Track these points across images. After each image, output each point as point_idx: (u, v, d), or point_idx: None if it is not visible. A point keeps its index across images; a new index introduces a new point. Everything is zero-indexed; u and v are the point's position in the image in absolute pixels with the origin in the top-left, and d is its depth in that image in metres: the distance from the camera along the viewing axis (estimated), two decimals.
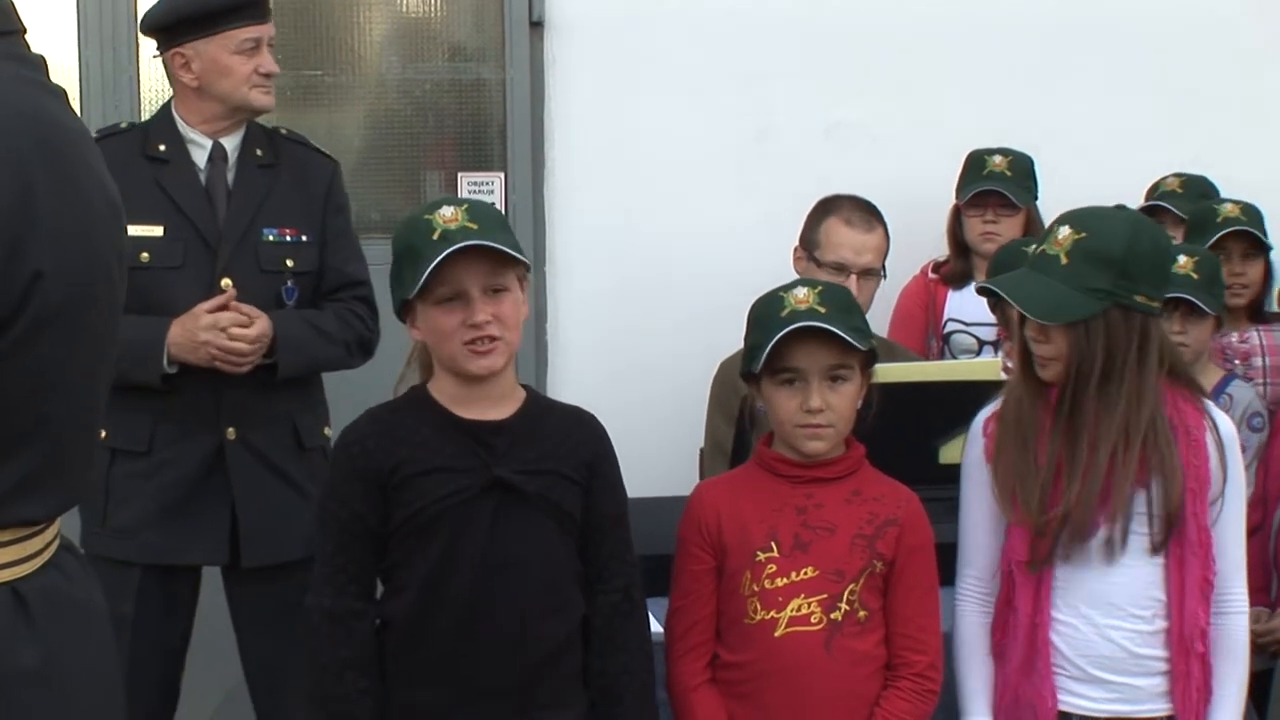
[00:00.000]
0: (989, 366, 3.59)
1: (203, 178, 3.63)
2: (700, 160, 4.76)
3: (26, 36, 1.99)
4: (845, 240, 3.95)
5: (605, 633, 2.75)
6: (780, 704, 2.80)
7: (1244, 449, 3.79)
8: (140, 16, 3.93)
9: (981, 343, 4.39)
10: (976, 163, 4.46)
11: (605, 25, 4.74)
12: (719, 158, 4.77)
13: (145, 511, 3.55)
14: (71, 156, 1.91)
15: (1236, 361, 4.08)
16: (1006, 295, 2.74)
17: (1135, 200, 4.42)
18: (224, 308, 3.49)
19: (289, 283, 3.64)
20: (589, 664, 2.76)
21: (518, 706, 2.67)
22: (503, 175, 4.79)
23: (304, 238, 3.67)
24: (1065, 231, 2.73)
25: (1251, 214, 4.22)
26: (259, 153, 3.67)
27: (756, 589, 2.81)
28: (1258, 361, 4.14)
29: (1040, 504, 2.74)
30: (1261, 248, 4.12)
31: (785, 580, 2.81)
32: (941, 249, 4.58)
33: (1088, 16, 4.85)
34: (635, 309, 4.75)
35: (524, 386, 2.81)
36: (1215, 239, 4.06)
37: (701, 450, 4.11)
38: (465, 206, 2.66)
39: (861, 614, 2.82)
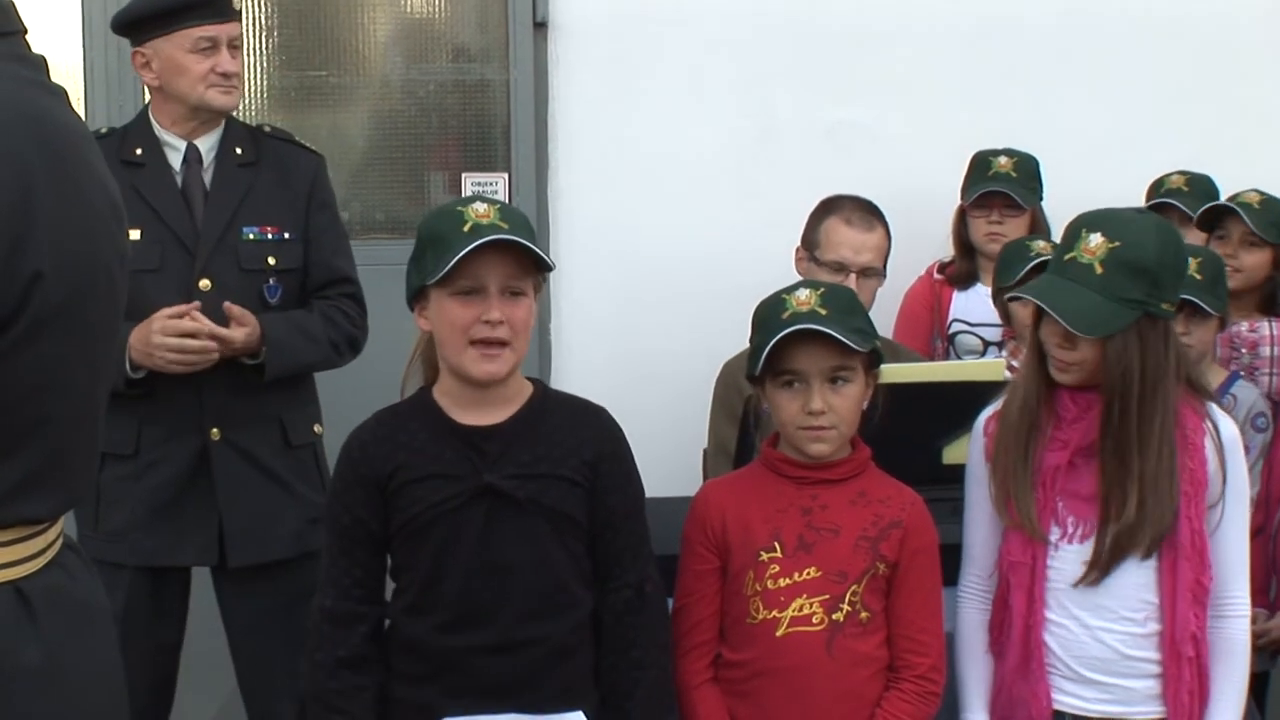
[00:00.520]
0: (993, 367, 3.58)
1: (179, 180, 3.62)
2: (703, 161, 4.76)
3: (28, 37, 1.99)
4: (845, 239, 3.95)
5: (616, 629, 2.77)
6: (781, 704, 2.80)
7: (1248, 450, 3.79)
8: None
9: (986, 343, 4.39)
10: (981, 164, 4.46)
11: (609, 26, 4.74)
12: (722, 158, 4.77)
13: (134, 514, 3.55)
14: (72, 157, 1.91)
15: (1244, 350, 4.06)
16: (1049, 308, 2.71)
17: (1136, 199, 4.42)
18: (182, 316, 3.45)
19: (271, 281, 3.62)
20: (600, 660, 2.77)
21: (522, 704, 2.69)
22: (506, 176, 4.79)
23: (286, 235, 3.65)
24: (1097, 239, 2.70)
25: (1198, 185, 4.25)
26: (239, 151, 3.66)
27: (759, 589, 2.82)
28: (1265, 351, 4.13)
29: (1035, 510, 2.76)
30: (1266, 239, 4.10)
31: (788, 580, 2.81)
32: (944, 250, 4.57)
33: (1089, 17, 4.85)
34: (638, 309, 4.75)
35: (534, 382, 2.82)
36: (1219, 226, 4.07)
37: (705, 451, 4.11)
38: (498, 207, 2.69)
39: (863, 615, 2.82)
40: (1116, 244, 2.69)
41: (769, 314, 2.85)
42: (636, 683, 2.74)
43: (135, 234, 3.51)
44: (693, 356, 4.35)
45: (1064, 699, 2.80)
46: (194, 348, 3.45)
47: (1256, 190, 4.20)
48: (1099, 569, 2.75)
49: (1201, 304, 3.70)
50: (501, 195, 4.75)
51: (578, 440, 2.75)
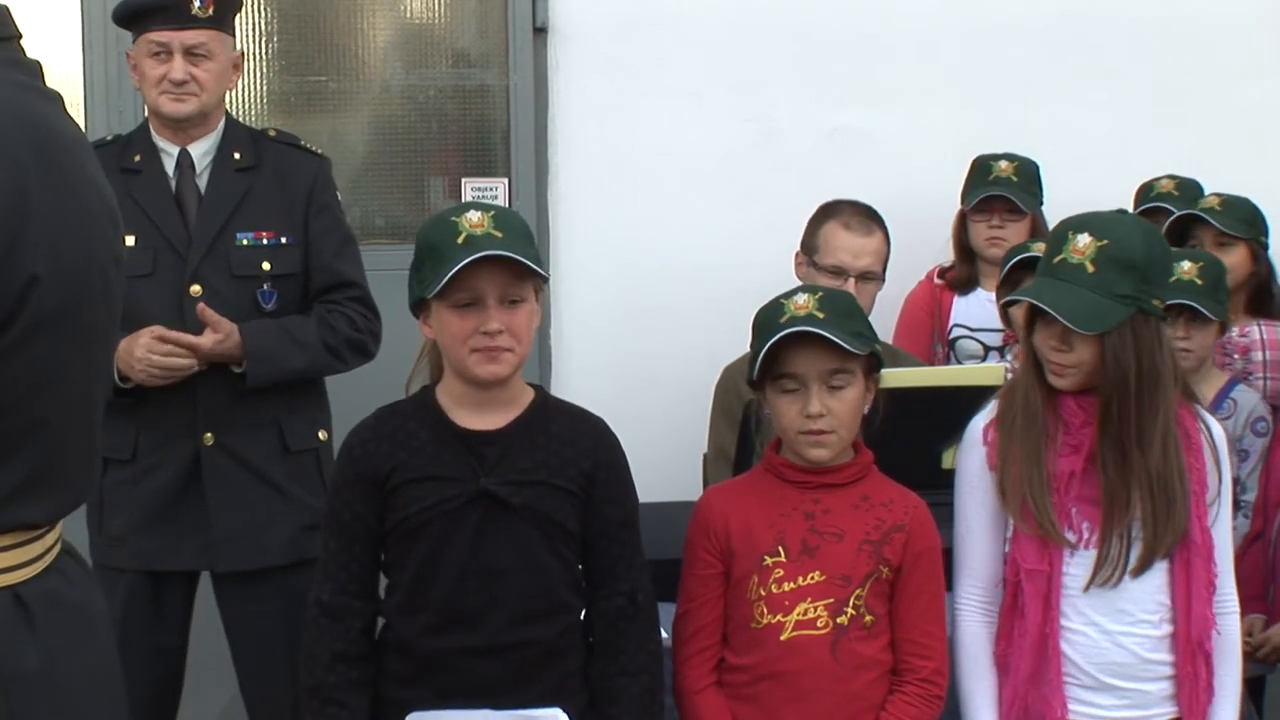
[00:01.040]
0: (993, 372, 3.58)
1: (173, 185, 3.62)
2: (703, 166, 4.76)
3: (23, 42, 1.99)
4: (843, 244, 3.95)
5: (607, 636, 2.79)
6: (785, 707, 2.80)
7: (1249, 454, 3.81)
8: None
9: (987, 348, 4.39)
10: (982, 168, 4.46)
11: (608, 31, 4.74)
12: (721, 163, 4.78)
13: (133, 518, 3.56)
14: (67, 162, 1.91)
15: (1236, 356, 4.06)
16: (1048, 308, 2.72)
17: (1129, 204, 4.43)
18: (163, 340, 3.46)
19: (266, 286, 3.61)
20: (590, 665, 2.79)
21: (509, 705, 2.70)
22: (506, 181, 4.79)
23: (283, 240, 3.64)
24: (1086, 239, 2.72)
25: (1187, 190, 4.25)
26: (237, 156, 3.65)
27: (763, 593, 2.82)
28: (1258, 356, 4.13)
29: (1054, 514, 2.75)
30: (1236, 235, 4.10)
31: (792, 585, 2.81)
32: (944, 255, 4.57)
33: (1088, 21, 4.86)
34: (638, 314, 4.75)
35: (535, 388, 2.83)
36: (1190, 231, 4.08)
37: (705, 456, 4.11)
38: (493, 214, 2.69)
39: (868, 619, 2.82)
40: (1105, 242, 2.71)
41: (767, 319, 2.86)
42: (625, 690, 2.76)
43: (129, 240, 3.51)
44: (693, 361, 4.35)
45: (1079, 708, 2.79)
46: (167, 364, 3.45)
47: (1215, 194, 4.21)
48: (1112, 570, 2.74)
49: (1202, 309, 3.71)
50: (501, 200, 4.74)
51: (576, 450, 2.77)
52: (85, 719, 1.97)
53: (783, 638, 2.80)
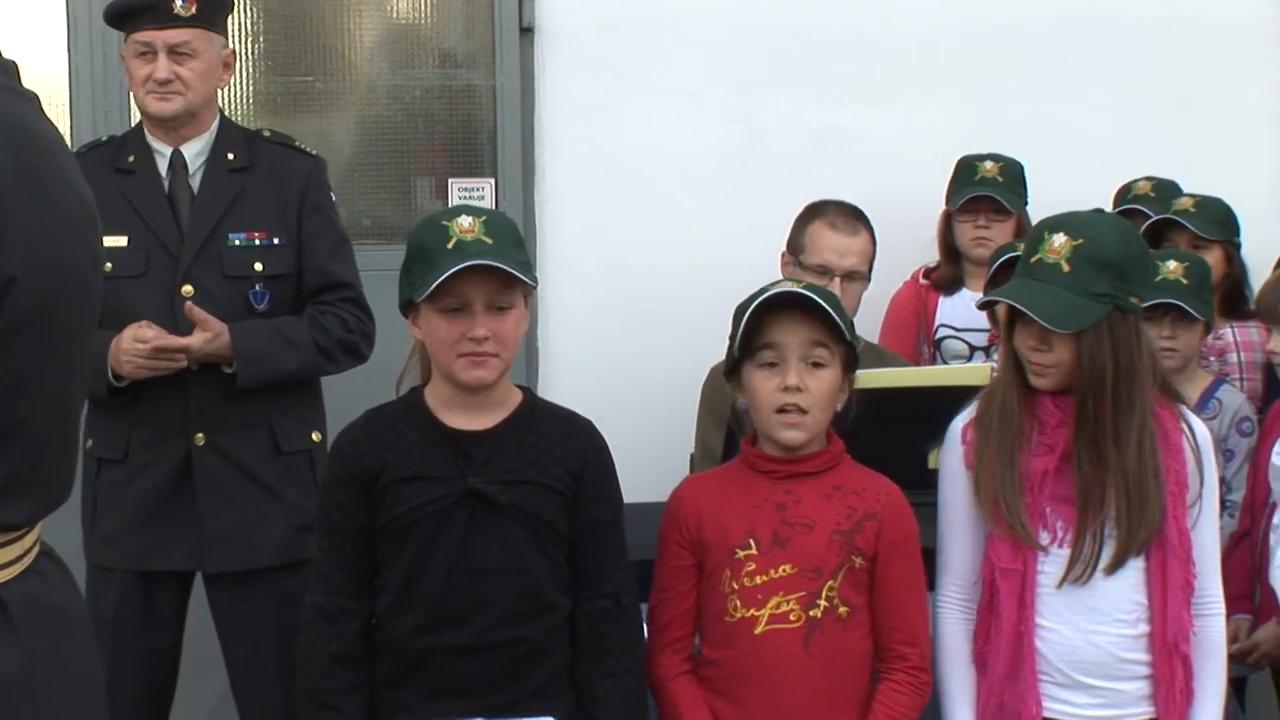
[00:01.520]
0: (978, 372, 3.59)
1: (166, 186, 3.62)
2: (689, 166, 4.76)
3: (1, 43, 1.98)
4: (829, 243, 3.96)
5: (592, 637, 2.80)
6: (761, 702, 2.81)
7: (1234, 454, 3.81)
8: None
9: (973, 348, 4.39)
10: (968, 168, 4.47)
11: (595, 31, 4.74)
12: (708, 164, 4.77)
13: (125, 518, 3.56)
14: (45, 163, 1.90)
15: (1212, 359, 4.07)
16: (1023, 308, 2.73)
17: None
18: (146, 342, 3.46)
19: (258, 287, 3.61)
20: (575, 666, 2.80)
21: (497, 704, 2.71)
22: (493, 181, 4.79)
23: (275, 240, 3.64)
24: (1062, 239, 2.74)
25: (1164, 191, 4.27)
26: (231, 157, 3.65)
27: (736, 586, 2.83)
28: (1232, 358, 4.14)
29: (1025, 515, 2.75)
30: (1211, 238, 4.11)
31: (764, 578, 2.82)
32: (929, 255, 4.57)
33: (1076, 21, 4.85)
34: (625, 314, 4.75)
35: (524, 389, 2.85)
36: (1164, 240, 4.09)
37: (692, 455, 4.11)
38: (484, 219, 2.70)
39: (842, 610, 2.82)
40: (1080, 241, 2.73)
41: (747, 302, 2.88)
42: (610, 691, 2.77)
43: (122, 240, 3.53)
44: (679, 360, 4.35)
45: (1054, 705, 2.80)
46: (154, 366, 3.45)
47: (1189, 195, 4.22)
48: (1084, 568, 2.75)
49: (1188, 309, 3.71)
50: (488, 201, 4.74)
51: (564, 450, 2.78)
52: None
53: (756, 632, 2.81)
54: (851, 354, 2.89)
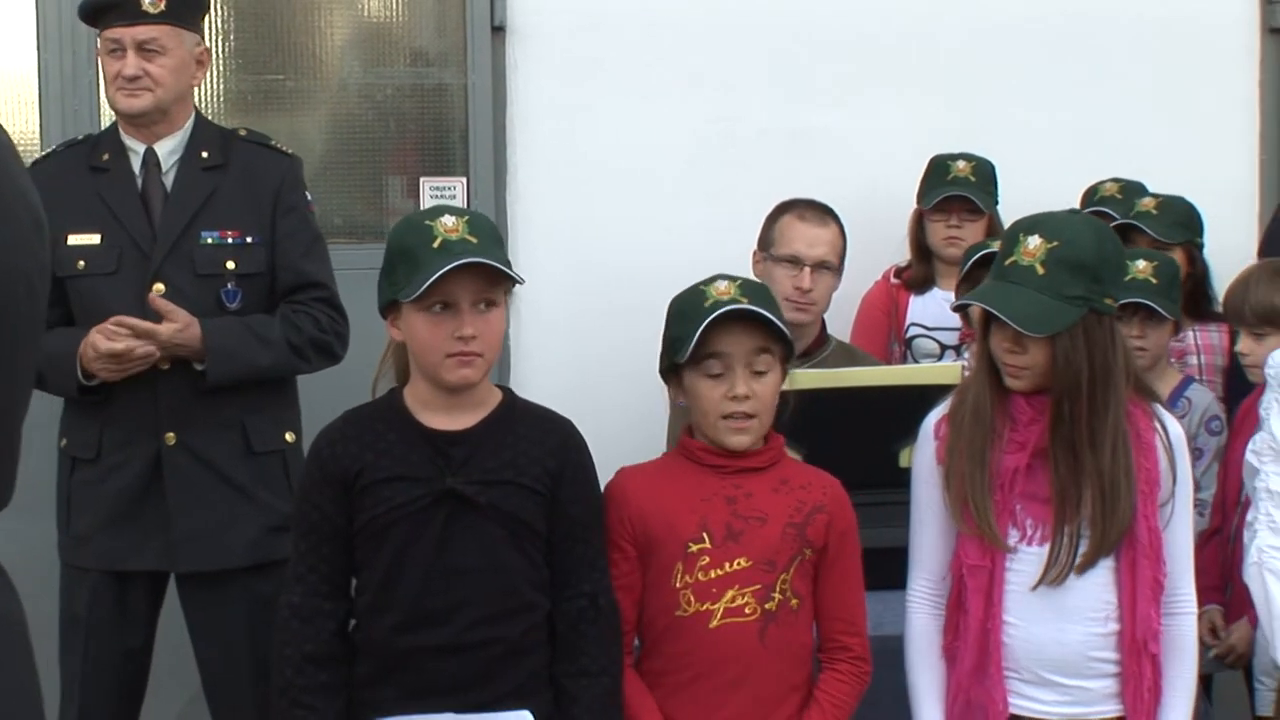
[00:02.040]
0: (949, 371, 3.60)
1: (139, 184, 3.61)
2: (663, 165, 4.76)
3: None
4: (798, 234, 3.98)
5: (569, 637, 2.80)
6: (717, 697, 2.82)
7: (1203, 452, 3.83)
8: None
9: (944, 347, 4.40)
10: (940, 168, 4.47)
11: (567, 30, 4.73)
12: (682, 162, 4.77)
13: (97, 517, 3.55)
14: None
15: (1174, 360, 4.08)
16: (997, 311, 2.73)
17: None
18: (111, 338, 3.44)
19: (230, 285, 3.60)
20: (552, 665, 2.80)
21: (475, 703, 2.71)
22: (465, 180, 4.78)
23: (249, 239, 3.62)
24: (1036, 241, 2.73)
25: (1131, 192, 4.26)
26: (205, 155, 3.64)
27: (690, 580, 2.83)
28: (1193, 360, 4.16)
29: (992, 515, 2.76)
30: (1170, 240, 4.12)
31: (719, 571, 2.83)
32: (902, 254, 4.58)
33: (1048, 22, 4.87)
34: (597, 312, 4.74)
35: (503, 389, 2.86)
36: (1126, 242, 4.10)
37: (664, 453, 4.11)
38: (466, 219, 2.70)
39: (794, 602, 2.85)
40: (1055, 243, 2.72)
41: (688, 306, 2.88)
42: (586, 690, 2.77)
43: (95, 238, 3.53)
44: (652, 358, 4.31)
45: (1021, 702, 2.81)
46: (123, 355, 3.43)
47: (1151, 195, 4.23)
48: (1060, 569, 2.75)
49: (1157, 308, 3.73)
50: (459, 200, 4.73)
51: (543, 450, 2.78)
52: None
53: (711, 625, 2.82)
54: (789, 349, 2.90)
